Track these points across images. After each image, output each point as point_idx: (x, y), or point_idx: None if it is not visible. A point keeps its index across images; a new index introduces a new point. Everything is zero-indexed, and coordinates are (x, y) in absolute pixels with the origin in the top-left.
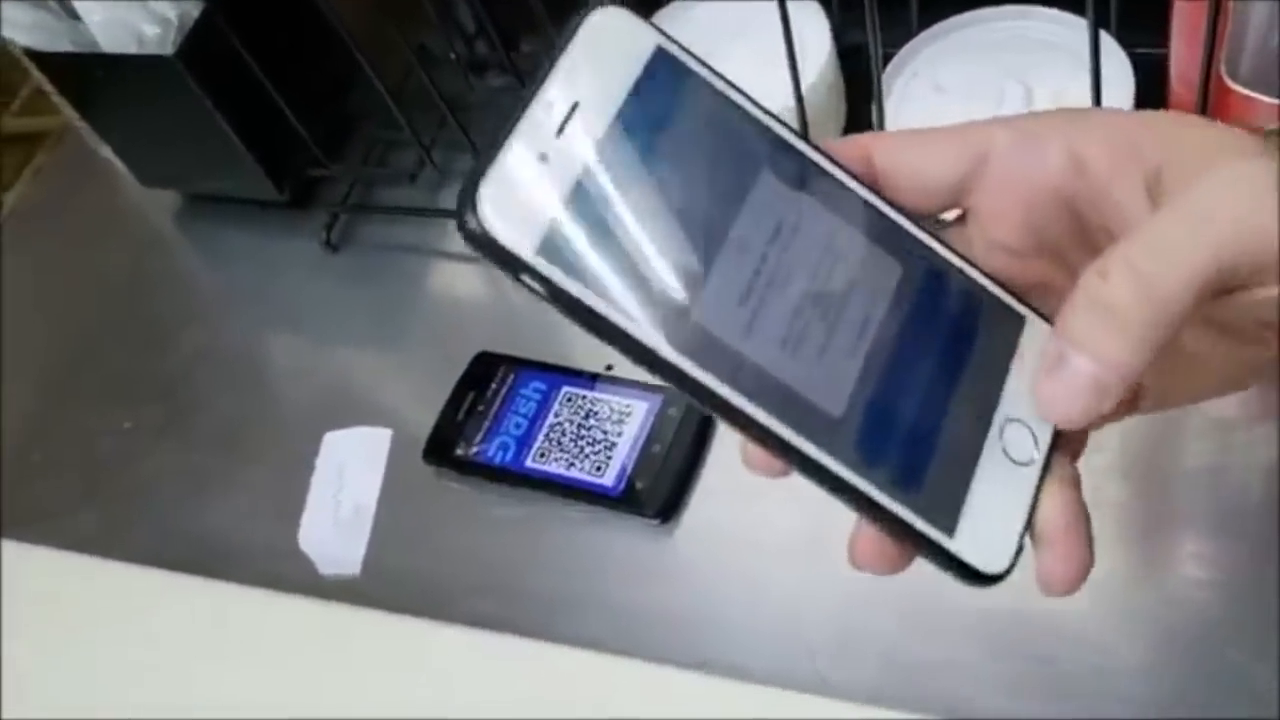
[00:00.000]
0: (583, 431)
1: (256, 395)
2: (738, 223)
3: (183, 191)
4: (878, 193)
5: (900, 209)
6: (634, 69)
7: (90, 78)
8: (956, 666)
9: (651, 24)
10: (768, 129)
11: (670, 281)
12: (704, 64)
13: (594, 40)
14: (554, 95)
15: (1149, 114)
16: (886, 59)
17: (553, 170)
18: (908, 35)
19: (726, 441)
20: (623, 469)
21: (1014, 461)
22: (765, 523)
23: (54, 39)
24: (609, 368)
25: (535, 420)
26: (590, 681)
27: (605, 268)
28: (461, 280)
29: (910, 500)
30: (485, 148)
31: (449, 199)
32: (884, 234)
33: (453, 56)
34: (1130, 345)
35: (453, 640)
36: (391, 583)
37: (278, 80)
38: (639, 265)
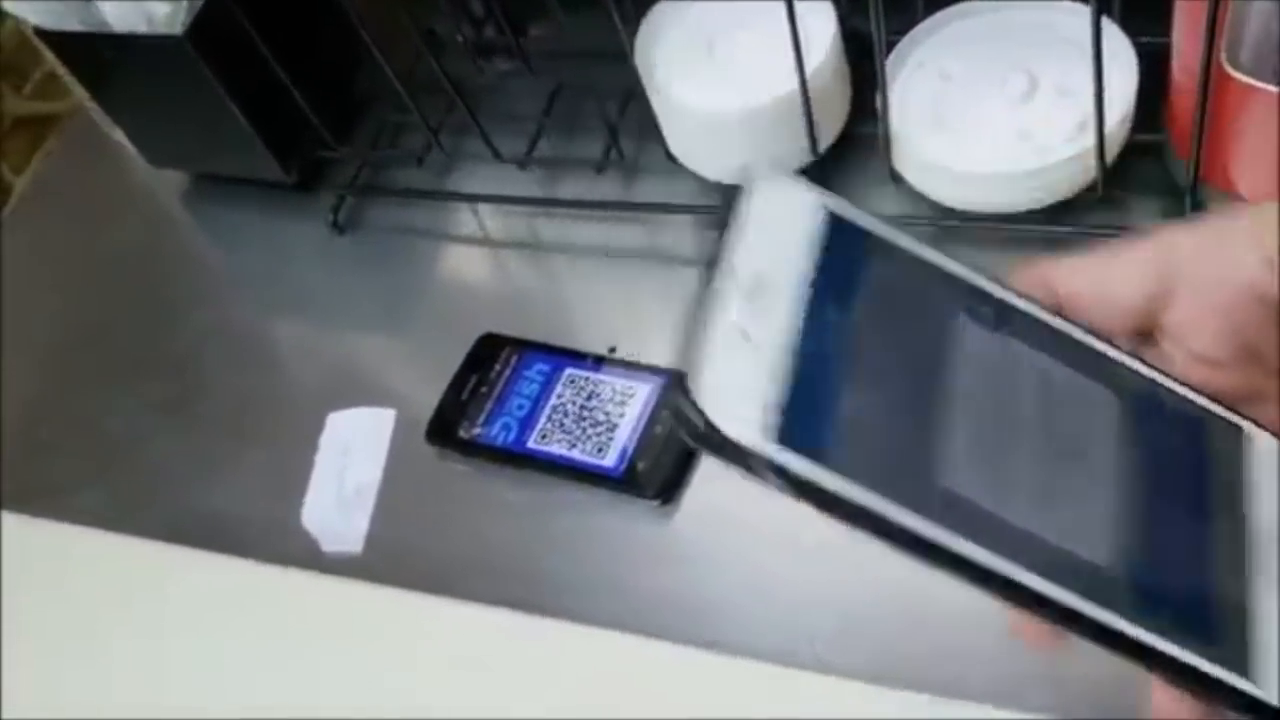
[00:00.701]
0: (585, 413)
1: (263, 375)
2: (954, 378)
3: (191, 172)
4: (1070, 321)
5: (1096, 334)
6: (810, 235)
7: (100, 58)
8: (956, 652)
9: (813, 186)
10: (952, 276)
11: (910, 452)
12: (869, 215)
13: (763, 211)
14: (741, 268)
15: None
16: (891, 46)
17: (759, 350)
18: (912, 22)
19: None
20: (624, 450)
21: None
22: (765, 506)
23: (63, 18)
24: (612, 350)
25: (538, 401)
26: (590, 657)
27: (840, 444)
28: (468, 263)
29: (1200, 645)
30: (683, 340)
31: (457, 182)
32: (1090, 364)
33: (460, 40)
34: None
35: (453, 615)
36: (393, 560)
37: (286, 62)
38: (873, 437)
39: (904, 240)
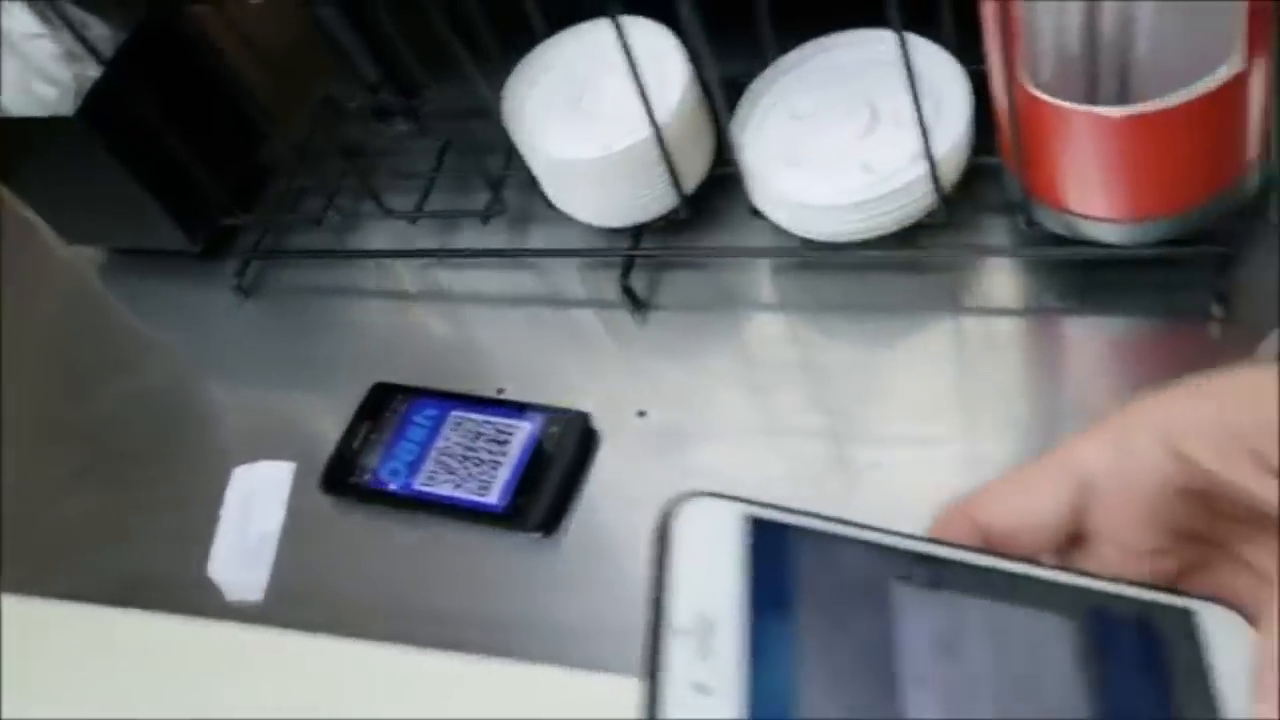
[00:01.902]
0: (469, 453)
1: (174, 436)
2: (903, 658)
3: (104, 246)
4: (1000, 554)
5: (1031, 561)
6: (739, 551)
7: (1, 141)
8: None
9: (727, 495)
10: (880, 546)
11: None
12: (788, 510)
13: (688, 536)
14: (681, 618)
15: (1233, 383)
16: (743, 88)
17: (717, 701)
18: (764, 64)
19: (608, 453)
20: (506, 487)
21: None
22: (646, 532)
23: None
24: (500, 391)
25: (426, 445)
26: (481, 685)
27: None
28: (367, 316)
29: None
30: (642, 698)
31: (356, 240)
32: (1033, 595)
33: (352, 105)
34: None
35: (350, 653)
36: (292, 605)
37: (184, 135)
38: None
39: (828, 526)
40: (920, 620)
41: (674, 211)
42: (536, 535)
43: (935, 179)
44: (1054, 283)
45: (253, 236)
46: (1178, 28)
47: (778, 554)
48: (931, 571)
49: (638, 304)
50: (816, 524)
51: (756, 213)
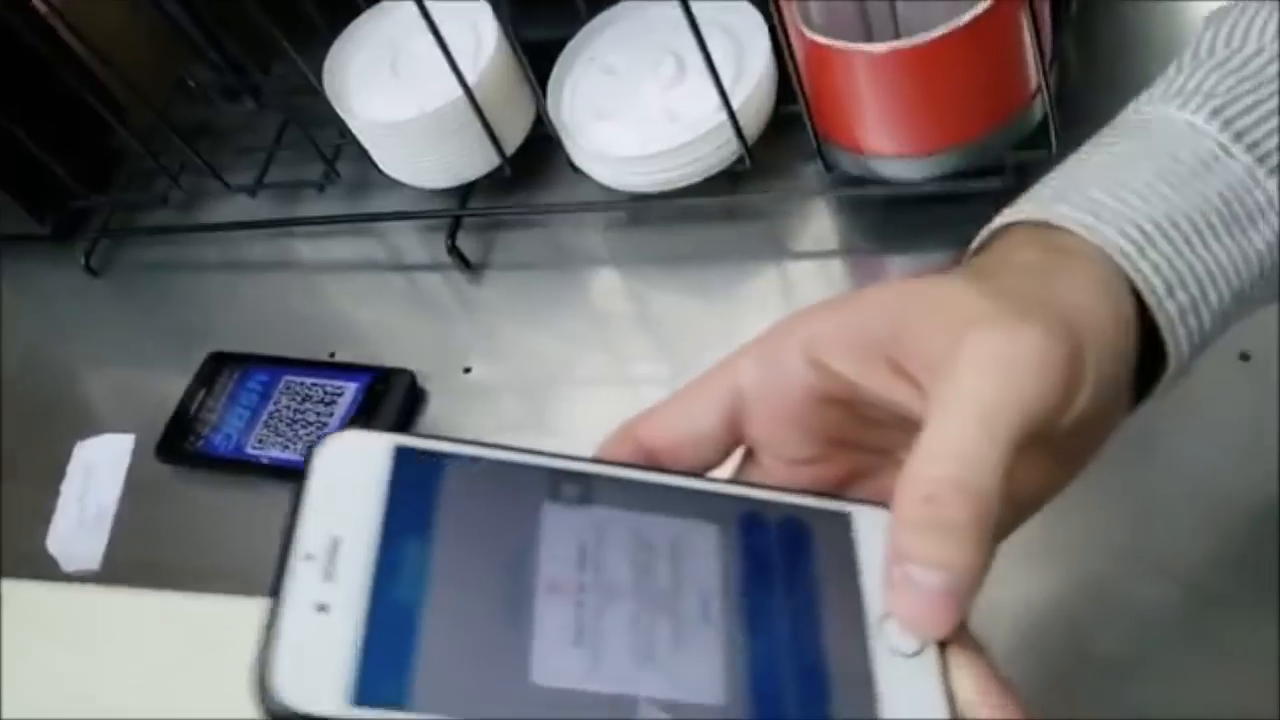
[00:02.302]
0: (298, 415)
1: (25, 416)
2: (541, 569)
3: None
4: (661, 470)
5: (690, 474)
6: (380, 481)
7: None
8: None
9: (380, 432)
10: (535, 468)
11: (498, 661)
12: (446, 440)
13: (330, 469)
14: (313, 542)
15: (867, 297)
16: (560, 46)
17: (336, 618)
18: (579, 23)
19: (435, 409)
20: None
21: (906, 655)
22: None
23: None
24: (331, 354)
25: (257, 410)
26: None
27: (429, 688)
28: (209, 289)
29: None
30: (263, 619)
31: (199, 217)
32: (685, 506)
33: (192, 84)
34: (971, 548)
35: (184, 607)
36: (132, 573)
37: (33, 121)
38: (461, 667)
39: (481, 451)
40: (564, 536)
41: (498, 170)
42: None
43: (736, 126)
44: (861, 223)
45: (102, 217)
46: None
47: (421, 480)
48: (581, 489)
49: (467, 264)
50: (468, 450)
51: (575, 169)
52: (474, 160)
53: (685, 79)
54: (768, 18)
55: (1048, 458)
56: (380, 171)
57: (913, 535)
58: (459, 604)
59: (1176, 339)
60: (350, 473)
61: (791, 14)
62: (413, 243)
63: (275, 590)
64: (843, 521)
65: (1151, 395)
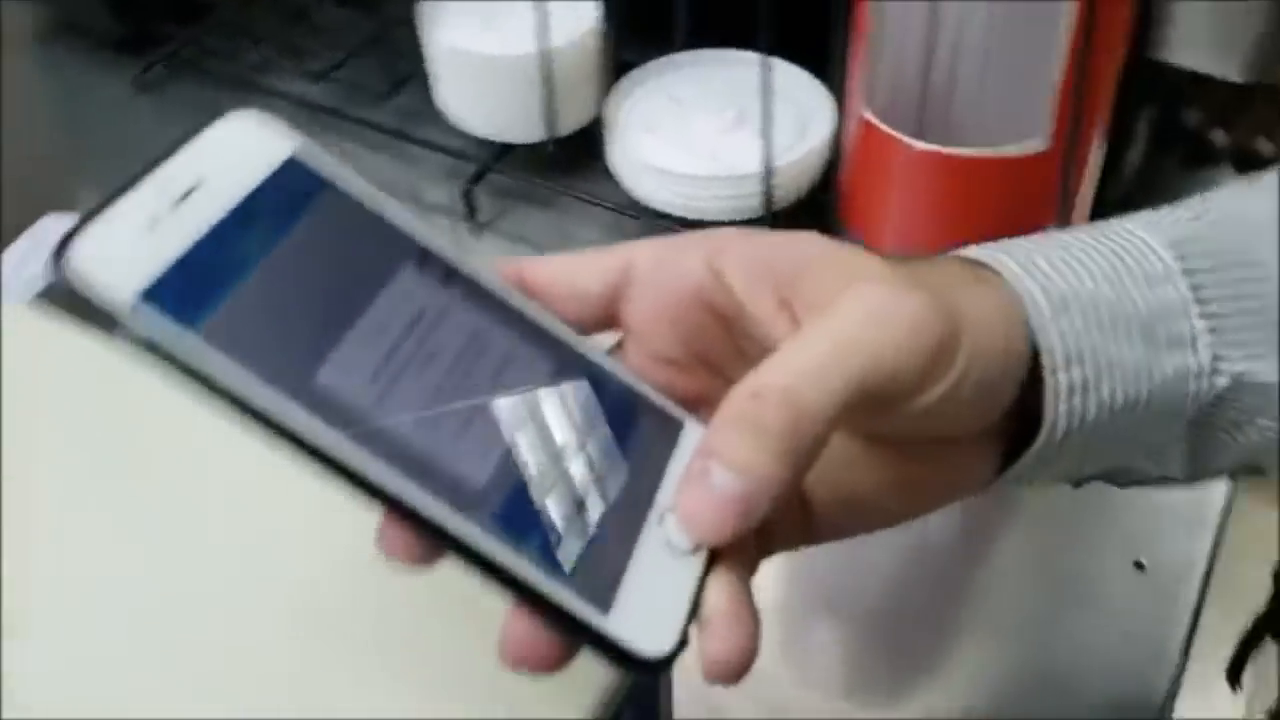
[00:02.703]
0: None
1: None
2: (372, 308)
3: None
4: (532, 303)
5: (556, 319)
6: (262, 168)
7: None
8: None
9: (294, 134)
10: (416, 240)
11: (295, 347)
12: (341, 168)
13: (228, 135)
14: (176, 173)
15: (786, 235)
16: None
17: (163, 236)
18: (668, 50)
19: None
20: None
21: (675, 550)
22: None
23: None
24: None
25: None
26: None
27: (220, 328)
28: None
29: (558, 577)
30: (91, 209)
31: (262, 83)
32: (534, 336)
33: None
34: (778, 460)
35: None
36: None
37: None
38: (250, 328)
39: (370, 198)
40: (407, 295)
41: (542, 144)
42: None
43: (767, 181)
44: None
45: (173, 46)
46: (998, 91)
47: (300, 185)
48: (444, 272)
49: (473, 214)
50: (358, 187)
51: (610, 171)
52: (524, 123)
53: (740, 131)
54: (837, 101)
55: (888, 448)
56: (436, 107)
57: (724, 430)
58: (280, 288)
59: (1057, 413)
60: (244, 143)
61: (855, 88)
62: (436, 181)
63: (116, 193)
64: (673, 425)
65: (1015, 467)
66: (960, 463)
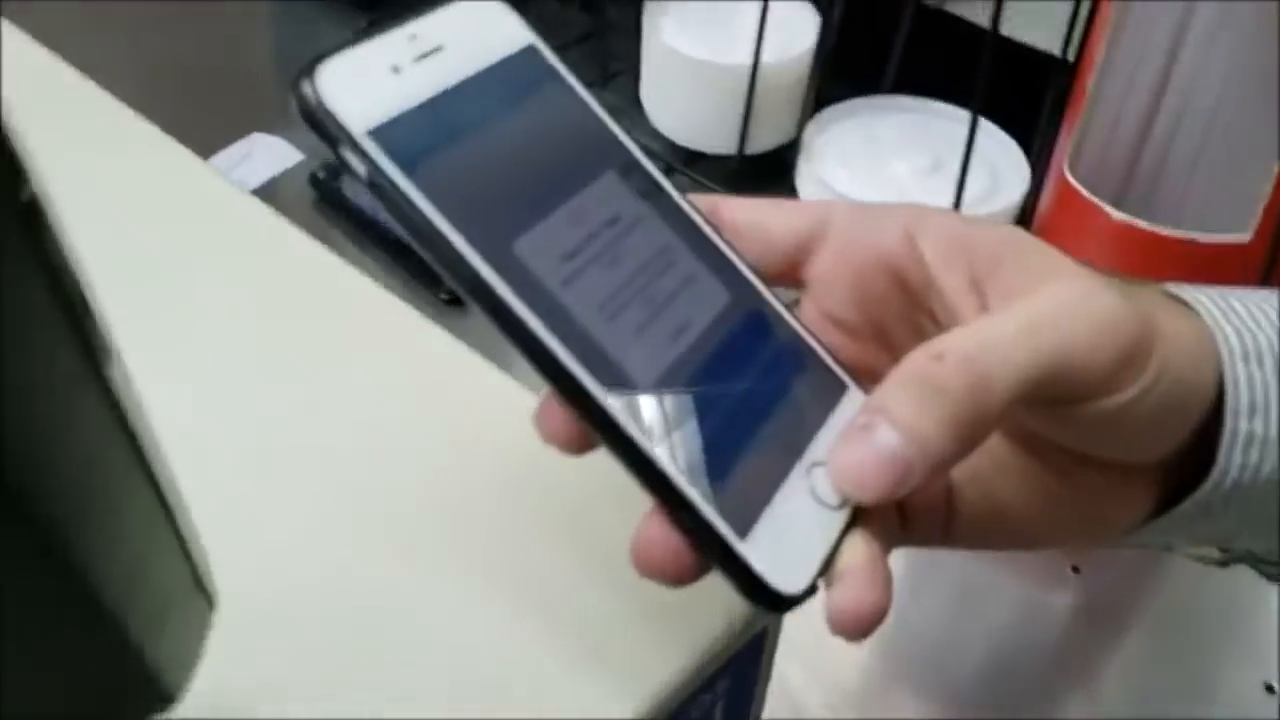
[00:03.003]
0: None
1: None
2: (576, 197)
3: None
4: (722, 238)
5: (743, 257)
6: (503, 47)
7: None
8: None
9: (531, 28)
10: (627, 150)
11: (494, 210)
12: (570, 73)
13: (475, 13)
14: (423, 32)
15: (991, 223)
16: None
17: (401, 83)
18: (876, 90)
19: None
20: None
21: (820, 501)
22: None
23: None
24: None
25: None
26: None
27: (434, 174)
28: None
29: (705, 490)
30: (345, 43)
31: None
32: (719, 266)
33: None
34: (947, 429)
35: None
36: None
37: None
38: (464, 185)
39: (593, 102)
40: (608, 198)
41: (732, 157)
42: None
43: None
44: None
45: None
46: (1210, 176)
47: (532, 75)
48: (654, 194)
49: None
50: (584, 93)
51: (794, 196)
52: (719, 133)
53: (933, 177)
54: (1032, 163)
55: (1047, 463)
56: (639, 106)
57: (898, 387)
58: (495, 157)
59: (1230, 461)
60: (488, 23)
61: (1060, 149)
62: None
63: (365, 36)
64: (836, 386)
65: (1172, 513)
66: (1116, 495)
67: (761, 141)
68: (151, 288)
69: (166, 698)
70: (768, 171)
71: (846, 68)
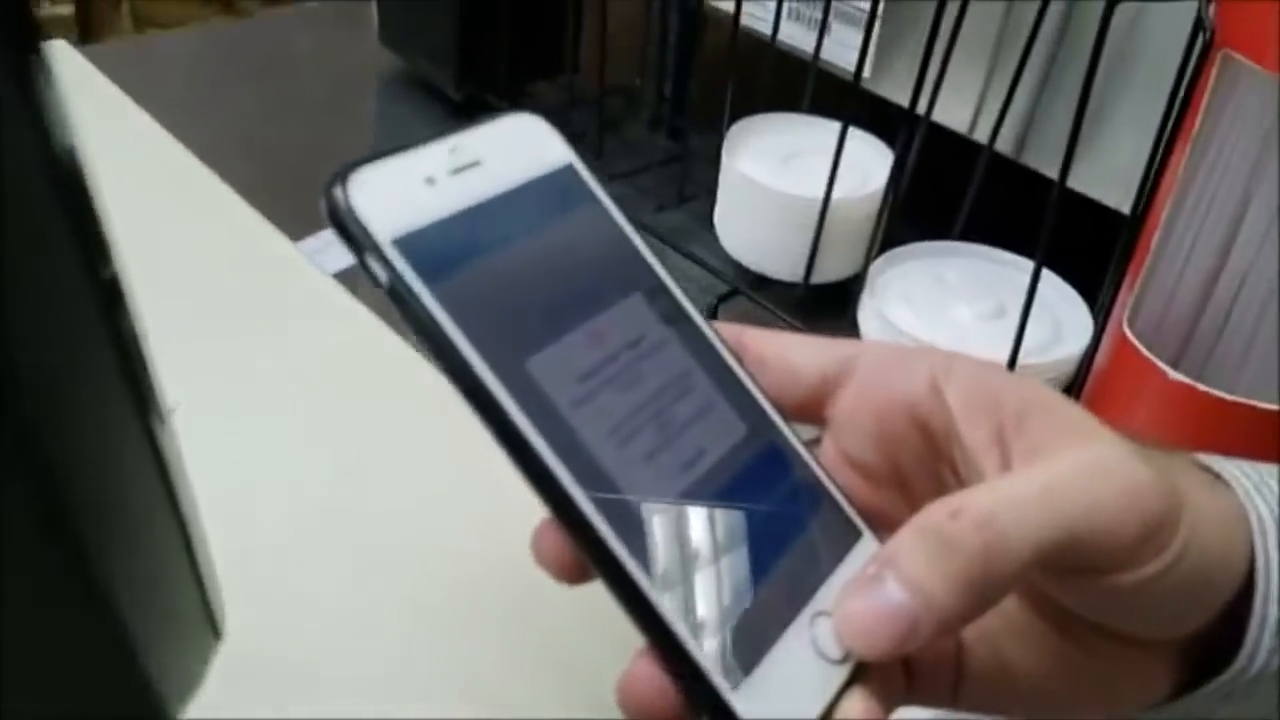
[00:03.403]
0: None
1: None
2: (599, 319)
3: (405, 59)
4: (744, 369)
5: (764, 391)
6: (541, 165)
7: None
8: None
9: (571, 147)
10: (655, 273)
11: (517, 332)
12: (610, 200)
13: (517, 130)
14: (463, 146)
15: (1017, 375)
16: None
17: (434, 195)
18: (948, 234)
19: None
20: None
21: (821, 654)
22: None
23: None
24: None
25: None
26: None
27: (454, 287)
28: None
29: (698, 634)
30: (383, 152)
31: None
32: (739, 397)
33: (637, 82)
34: (957, 589)
35: None
36: None
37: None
38: (484, 299)
39: (627, 225)
40: (631, 320)
41: (796, 285)
42: None
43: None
44: None
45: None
46: (1269, 342)
47: (569, 195)
48: (671, 310)
49: None
50: (617, 214)
51: (855, 329)
52: (786, 260)
53: (996, 322)
54: (1096, 318)
55: (1063, 630)
56: (710, 228)
57: (910, 541)
58: (521, 273)
59: (1259, 646)
60: (528, 142)
61: (1120, 303)
62: (687, 291)
63: (405, 147)
64: (850, 533)
65: (1195, 694)
66: (1135, 669)
67: (827, 272)
68: (222, 349)
69: (163, 717)
70: (831, 302)
71: (917, 210)
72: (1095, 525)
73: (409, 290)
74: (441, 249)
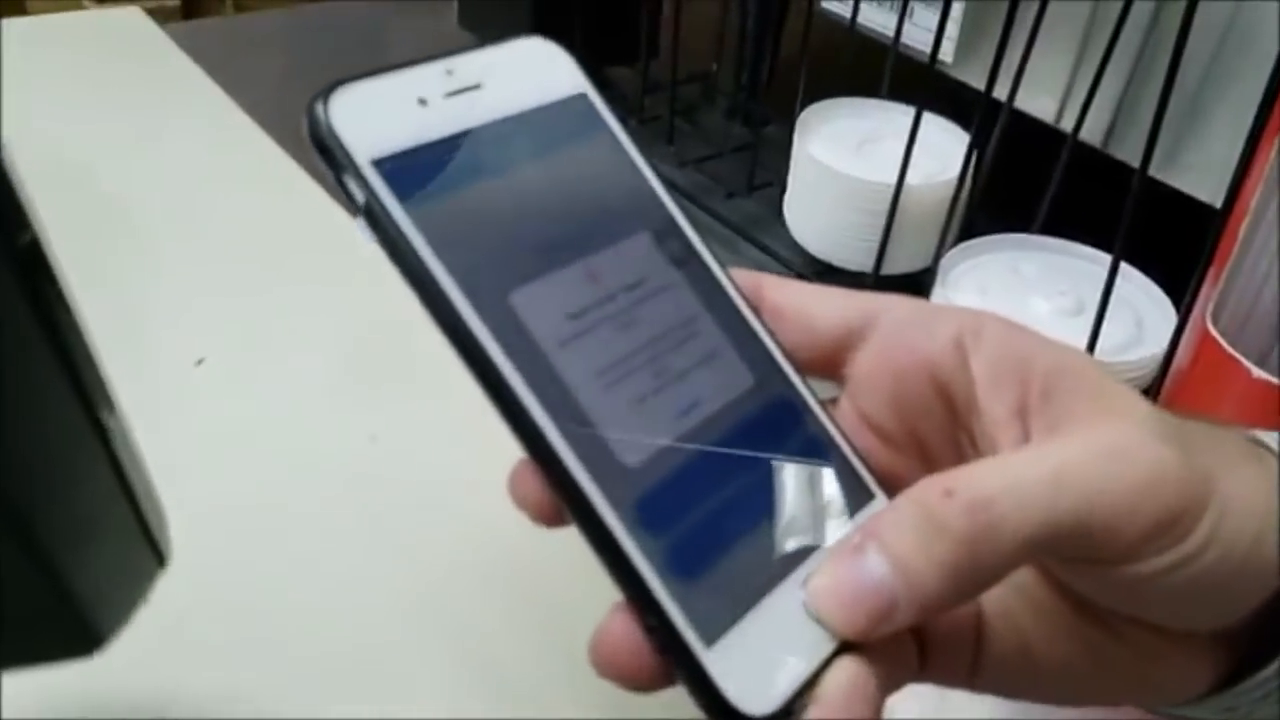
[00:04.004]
0: None
1: None
2: (597, 256)
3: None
4: (759, 319)
5: (779, 342)
6: (551, 93)
7: None
8: None
9: (586, 75)
10: (668, 213)
11: (496, 256)
12: (624, 131)
13: (529, 57)
14: (461, 69)
15: (1053, 341)
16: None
17: (425, 117)
18: (1026, 228)
19: None
20: None
21: (813, 617)
22: None
23: None
24: None
25: None
26: None
27: (437, 213)
28: None
29: (675, 588)
30: (375, 70)
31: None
32: (749, 347)
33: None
34: (940, 571)
35: None
36: None
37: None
38: (469, 227)
39: (640, 159)
40: (634, 259)
41: (866, 275)
42: None
43: None
44: None
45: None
46: None
47: (579, 124)
48: (682, 251)
49: None
50: (633, 151)
51: None
52: (856, 250)
53: (1074, 318)
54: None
55: (1089, 611)
56: (781, 217)
57: (899, 514)
58: (513, 203)
59: None
60: (539, 66)
61: (1204, 300)
62: None
63: (399, 67)
64: (861, 495)
65: (1234, 689)
66: (1170, 660)
67: (898, 263)
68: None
69: (94, 638)
70: (900, 292)
71: (997, 202)
72: (1097, 516)
73: (384, 211)
74: (427, 173)
